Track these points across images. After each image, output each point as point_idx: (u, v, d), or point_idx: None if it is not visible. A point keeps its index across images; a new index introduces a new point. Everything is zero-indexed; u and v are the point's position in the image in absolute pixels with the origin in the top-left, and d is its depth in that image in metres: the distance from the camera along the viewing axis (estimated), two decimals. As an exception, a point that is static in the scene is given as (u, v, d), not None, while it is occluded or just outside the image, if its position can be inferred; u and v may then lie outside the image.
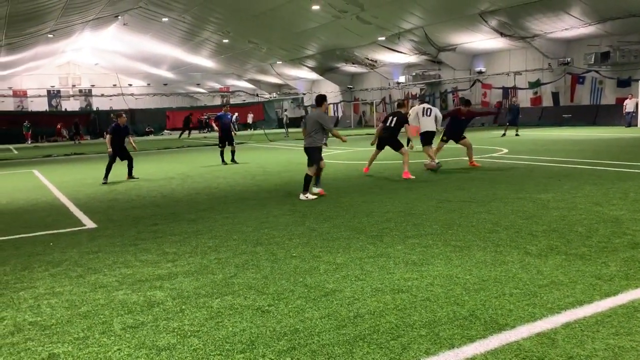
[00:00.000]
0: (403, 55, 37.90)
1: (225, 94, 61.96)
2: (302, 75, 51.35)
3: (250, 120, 51.23)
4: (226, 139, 16.06)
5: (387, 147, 11.41)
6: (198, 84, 61.35)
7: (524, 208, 7.13)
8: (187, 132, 40.19)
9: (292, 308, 3.93)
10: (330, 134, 9.40)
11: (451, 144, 12.86)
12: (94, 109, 53.60)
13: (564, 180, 9.49)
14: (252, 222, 7.18)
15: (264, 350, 3.25)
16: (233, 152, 16.20)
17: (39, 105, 54.58)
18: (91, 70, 60.33)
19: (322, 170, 9.34)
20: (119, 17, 36.62)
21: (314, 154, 9.02)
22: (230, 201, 9.14)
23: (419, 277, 4.49)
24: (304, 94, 54.79)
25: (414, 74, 39.64)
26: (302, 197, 8.87)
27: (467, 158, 12.57)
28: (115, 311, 4.06)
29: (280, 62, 47.14)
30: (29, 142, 41.51)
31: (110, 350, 3.38)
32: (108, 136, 12.86)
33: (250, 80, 56.92)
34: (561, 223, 6.16)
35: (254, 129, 47.93)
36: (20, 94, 56.09)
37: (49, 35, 34.67)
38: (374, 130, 35.72)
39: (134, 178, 13.24)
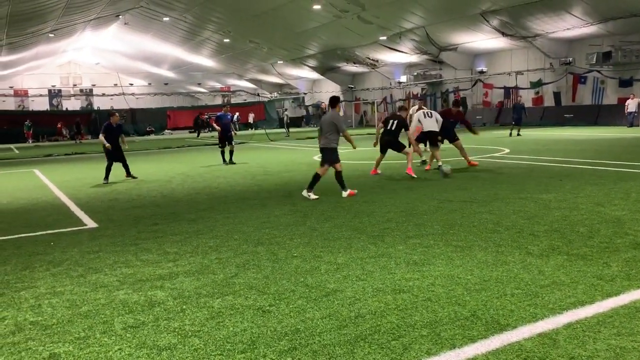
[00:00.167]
0: (404, 55, 37.87)
1: (226, 93, 61.96)
2: (303, 75, 51.33)
3: (251, 119, 51.24)
4: (226, 139, 16.03)
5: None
6: (199, 84, 61.36)
7: (526, 208, 7.12)
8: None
9: (293, 308, 3.92)
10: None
11: (448, 145, 12.83)
12: (95, 108, 53.61)
13: (565, 180, 9.48)
14: (253, 222, 7.17)
15: (265, 350, 3.25)
16: (231, 152, 16.13)
17: (40, 104, 54.60)
18: (92, 69, 60.36)
19: (342, 172, 9.23)
20: (120, 16, 36.63)
21: (328, 155, 9.03)
22: (231, 201, 9.14)
23: (420, 277, 4.48)
24: (305, 93, 54.78)
25: (415, 73, 39.61)
26: (304, 193, 8.89)
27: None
28: (116, 311, 4.06)
29: (281, 62, 47.13)
30: (30, 141, 41.53)
31: (111, 350, 3.38)
32: (102, 135, 12.71)
33: (251, 80, 56.92)
34: (563, 223, 6.14)
35: (255, 129, 47.94)
36: (21, 94, 56.12)
37: (50, 35, 34.69)
38: (375, 130, 35.73)
39: (133, 177, 13.18)
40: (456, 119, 12.63)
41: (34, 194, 11.24)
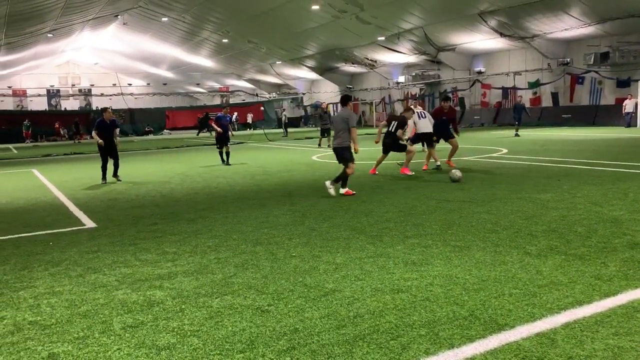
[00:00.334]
0: (402, 55, 37.91)
1: (225, 93, 61.93)
2: (301, 75, 51.35)
3: (250, 120, 51.23)
4: (223, 140, 15.96)
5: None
6: (198, 84, 61.35)
7: (524, 208, 7.13)
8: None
9: (292, 308, 3.93)
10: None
11: (442, 145, 12.85)
12: (94, 108, 53.56)
13: (563, 180, 9.50)
14: (252, 221, 7.18)
15: (264, 350, 3.26)
16: (227, 154, 16.02)
17: (39, 104, 54.54)
18: (91, 69, 60.31)
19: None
20: (119, 16, 36.61)
21: (343, 153, 8.99)
22: (230, 201, 9.14)
23: (418, 277, 4.49)
24: (304, 93, 54.79)
25: (413, 74, 39.66)
26: (328, 183, 8.93)
27: (466, 158, 12.59)
28: (115, 311, 4.06)
29: (280, 62, 47.15)
30: (29, 141, 41.49)
31: (110, 349, 3.39)
32: (94, 132, 12.51)
33: (250, 80, 56.93)
34: (561, 223, 6.16)
35: (254, 129, 47.95)
36: (20, 93, 56.05)
37: (49, 35, 34.67)
38: (373, 130, 35.76)
39: (118, 179, 12.74)
40: (449, 115, 12.47)
41: (33, 194, 11.23)
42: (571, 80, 30.89)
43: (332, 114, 37.21)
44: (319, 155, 17.88)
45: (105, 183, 12.43)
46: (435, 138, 12.33)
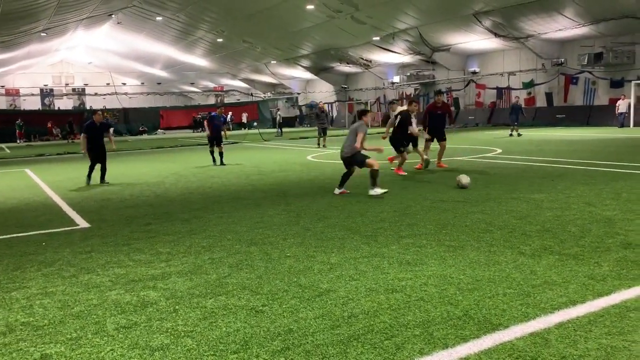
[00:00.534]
0: (397, 55, 37.96)
1: (220, 93, 61.82)
2: (296, 75, 51.33)
3: (244, 119, 51.17)
4: (215, 140, 15.80)
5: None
6: (192, 83, 61.24)
7: (518, 208, 7.15)
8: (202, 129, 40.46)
9: (286, 308, 3.92)
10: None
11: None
12: (88, 108, 53.35)
13: (557, 180, 9.54)
14: (246, 221, 7.16)
15: (258, 351, 3.25)
16: (221, 154, 15.86)
17: (32, 104, 54.29)
18: (84, 69, 60.05)
19: (352, 174, 9.20)
20: (113, 15, 36.47)
21: (354, 158, 8.92)
22: (225, 201, 9.12)
23: (413, 277, 4.50)
24: (299, 93, 54.77)
25: (408, 74, 39.73)
26: (370, 192, 8.76)
27: (460, 158, 12.61)
28: (109, 311, 4.04)
29: (275, 62, 47.11)
30: (22, 141, 41.26)
31: (103, 350, 3.37)
32: (82, 135, 12.10)
33: (245, 80, 56.85)
34: (554, 223, 6.18)
35: (249, 129, 47.91)
36: (13, 93, 55.77)
37: (42, 34, 34.49)
38: (368, 130, 35.72)
39: (106, 183, 12.22)
40: (443, 109, 12.38)
41: (26, 194, 11.17)
42: (565, 80, 31.02)
43: (328, 113, 37.26)
44: (314, 155, 17.88)
45: (89, 184, 12.06)
46: (430, 137, 12.27)
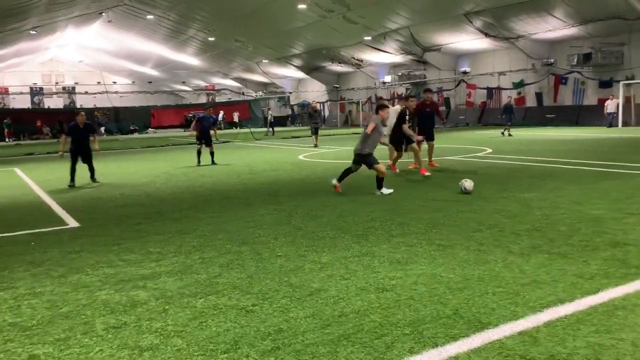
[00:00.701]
0: (389, 55, 38.04)
1: (211, 92, 61.62)
2: (288, 74, 51.29)
3: (236, 118, 51.03)
4: (204, 139, 15.52)
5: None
6: (183, 82, 60.96)
7: (508, 207, 7.19)
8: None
9: (277, 308, 3.92)
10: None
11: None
12: (78, 106, 52.96)
13: (547, 180, 9.60)
14: (237, 221, 7.15)
15: (248, 350, 3.24)
16: (212, 154, 15.61)
17: (21, 102, 53.75)
18: (75, 67, 59.61)
19: (354, 172, 9.15)
20: (103, 14, 36.24)
21: (364, 160, 8.87)
22: (215, 200, 9.10)
23: (403, 276, 4.51)
24: (291, 92, 54.71)
25: (399, 73, 39.81)
26: (377, 192, 8.75)
27: (451, 158, 12.63)
28: (98, 311, 4.02)
29: (267, 61, 47.05)
30: (10, 140, 40.90)
31: (92, 351, 3.35)
32: (63, 137, 11.74)
33: (236, 79, 56.71)
34: (544, 222, 6.22)
35: (240, 128, 47.80)
36: (2, 91, 55.22)
37: (32, 32, 34.19)
38: (360, 130, 35.76)
39: (97, 182, 12.09)
40: (432, 107, 12.26)
41: (14, 193, 11.07)
42: (555, 80, 31.23)
43: (321, 112, 37.26)
44: (305, 155, 17.87)
45: (73, 187, 11.61)
46: (421, 138, 12.08)
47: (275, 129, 37.17)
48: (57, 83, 58.67)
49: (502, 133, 22.94)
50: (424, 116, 11.96)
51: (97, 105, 50.98)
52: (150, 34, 41.47)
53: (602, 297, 3.85)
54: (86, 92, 53.86)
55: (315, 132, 21.83)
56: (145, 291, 4.43)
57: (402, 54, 37.13)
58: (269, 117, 36.54)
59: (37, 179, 13.78)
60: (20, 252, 5.97)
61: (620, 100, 26.45)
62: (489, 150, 16.08)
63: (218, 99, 60.26)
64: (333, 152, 18.78)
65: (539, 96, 32.35)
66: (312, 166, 14.11)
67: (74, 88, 58.22)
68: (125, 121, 49.60)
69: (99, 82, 53.64)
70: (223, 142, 26.42)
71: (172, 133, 44.46)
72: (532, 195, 8.06)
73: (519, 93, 33.34)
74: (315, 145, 20.99)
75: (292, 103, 55.58)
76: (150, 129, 49.06)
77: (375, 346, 3.22)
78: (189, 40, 42.12)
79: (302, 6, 29.89)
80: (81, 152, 11.97)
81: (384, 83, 41.85)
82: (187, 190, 10.52)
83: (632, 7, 23.35)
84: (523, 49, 30.77)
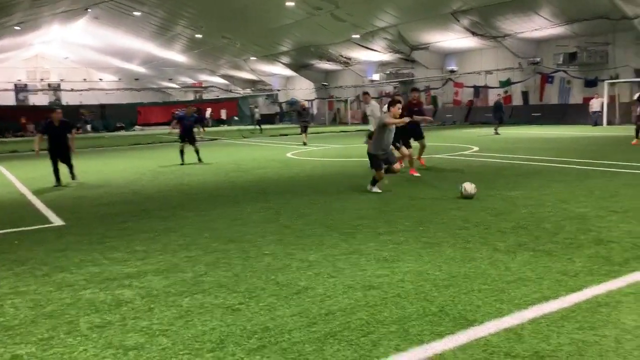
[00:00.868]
0: (377, 54, 38.11)
1: (198, 89, 61.29)
2: (276, 72, 51.17)
3: (224, 116, 50.81)
4: (187, 137, 15.26)
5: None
6: (170, 79, 60.56)
7: (494, 205, 7.23)
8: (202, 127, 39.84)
9: (263, 306, 3.91)
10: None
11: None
12: (64, 103, 52.38)
13: (532, 178, 9.68)
14: (224, 219, 7.12)
15: (234, 349, 3.23)
16: (197, 151, 15.31)
17: (5, 99, 53.00)
18: (60, 64, 58.98)
19: (394, 172, 8.83)
20: (89, 10, 35.86)
21: (370, 160, 8.66)
22: (202, 198, 9.05)
23: (390, 273, 4.52)
24: (279, 90, 54.58)
25: (387, 72, 39.92)
26: (368, 188, 8.68)
27: (438, 156, 12.67)
28: (82, 310, 3.98)
29: (254, 58, 46.89)
30: (-5, 137, 40.36)
31: (76, 350, 3.31)
32: (38, 136, 11.24)
33: (224, 76, 56.47)
34: (529, 220, 6.27)
35: (228, 125, 47.63)
36: (-15, 88, 54.46)
37: (16, 28, 33.74)
38: (348, 128, 35.74)
39: (77, 179, 11.61)
40: (418, 106, 12.03)
41: (-2, 191, 10.92)
42: (541, 79, 31.49)
43: (309, 110, 37.23)
44: (294, 153, 17.85)
45: (59, 186, 11.30)
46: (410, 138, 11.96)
47: (264, 126, 37.08)
48: (42, 80, 57.98)
49: (496, 132, 22.86)
50: (411, 115, 11.93)
51: (83, 103, 50.45)
52: (137, 31, 41.15)
53: (586, 294, 3.89)
54: (72, 89, 53.24)
55: (304, 130, 21.83)
56: (131, 290, 4.39)
57: (390, 52, 37.22)
58: (256, 115, 36.42)
59: (21, 176, 13.62)
60: (3, 250, 5.90)
61: (605, 99, 26.74)
62: (476, 149, 16.17)
63: (206, 97, 59.95)
64: (321, 150, 18.78)
65: (525, 95, 32.61)
66: (300, 164, 14.10)
67: (59, 85, 57.58)
68: (112, 118, 49.17)
69: (84, 79, 53.14)
70: (211, 140, 26.31)
71: (159, 130, 44.15)
72: (518, 193, 8.12)
73: (506, 92, 33.55)
74: (304, 144, 20.97)
75: (280, 101, 55.45)
76: (136, 127, 48.68)
77: (361, 344, 3.23)
78: (176, 37, 41.86)
79: (290, 3, 29.82)
80: (58, 151, 11.26)
81: (372, 81, 41.91)
82: (174, 188, 10.46)
83: (617, 7, 23.62)
84: (510, 47, 30.99)
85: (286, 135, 28.99)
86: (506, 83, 32.91)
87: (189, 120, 15.41)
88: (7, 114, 44.41)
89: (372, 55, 38.62)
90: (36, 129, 41.38)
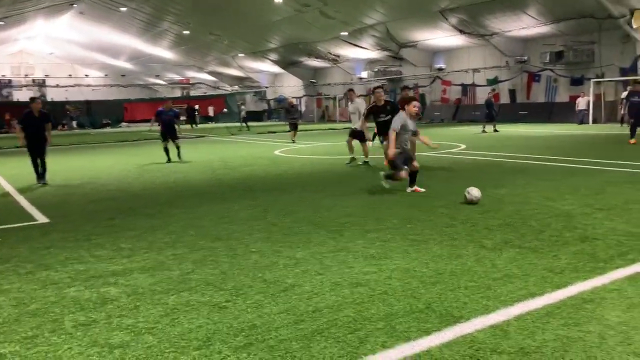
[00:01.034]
0: (365, 51, 38.13)
1: (186, 86, 60.88)
2: (264, 69, 50.98)
3: (211, 113, 50.56)
4: (168, 134, 14.99)
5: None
6: (157, 76, 60.07)
7: (480, 203, 7.26)
8: (194, 123, 39.75)
9: (250, 304, 3.89)
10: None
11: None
12: (49, 99, 51.75)
13: (518, 175, 9.75)
14: (211, 216, 7.08)
15: (220, 347, 3.21)
16: (178, 148, 15.00)
17: (-11, 95, 52.36)
18: (45, 59, 58.20)
19: (416, 171, 8.33)
20: (75, 5, 35.45)
21: (391, 161, 8.29)
22: (189, 195, 9.00)
23: (377, 270, 4.53)
24: (267, 87, 54.40)
25: (375, 69, 39.97)
26: (382, 176, 8.52)
27: (426, 154, 12.71)
28: (67, 309, 3.94)
29: (242, 55, 46.67)
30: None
31: (61, 349, 3.28)
32: (18, 127, 10.82)
33: (212, 73, 56.13)
34: (515, 217, 6.32)
35: (216, 122, 47.40)
36: (-31, 83, 53.69)
37: (0, 23, 33.25)
38: (336, 125, 35.73)
39: (44, 183, 10.92)
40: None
41: (-19, 188, 10.77)
42: (528, 77, 31.73)
43: (298, 107, 37.18)
44: (281, 150, 17.81)
45: (43, 183, 10.96)
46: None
47: (252, 124, 36.95)
48: (26, 75, 57.19)
49: (495, 130, 22.87)
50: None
51: (69, 99, 49.91)
52: (124, 27, 40.74)
53: (571, 291, 3.92)
54: (57, 85, 52.65)
55: (293, 127, 21.55)
56: (116, 288, 4.35)
57: (378, 49, 37.26)
58: (242, 113, 36.30)
59: (5, 173, 13.44)
60: (-14, 248, 5.81)
61: (591, 98, 27.02)
62: (463, 147, 16.26)
63: (193, 93, 59.57)
64: (310, 147, 18.76)
65: (512, 93, 32.83)
66: (288, 161, 14.07)
67: (44, 81, 56.87)
68: (98, 115, 48.70)
69: (70, 75, 52.55)
70: (198, 137, 26.17)
71: (145, 127, 43.84)
72: (504, 190, 8.18)
73: (493, 90, 33.79)
74: (293, 141, 20.90)
75: (268, 98, 55.28)
76: (123, 123, 48.28)
77: (348, 341, 3.23)
78: (163, 33, 41.52)
79: (278, 0, 29.71)
80: (35, 144, 10.90)
81: (361, 79, 41.95)
82: (161, 185, 10.39)
83: (603, 7, 23.84)
84: (497, 46, 31.17)
85: (274, 132, 28.92)
86: (494, 81, 33.11)
87: (167, 115, 15.01)
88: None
89: (361, 52, 38.63)
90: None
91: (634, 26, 23.20)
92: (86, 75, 57.21)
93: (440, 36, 32.62)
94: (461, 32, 30.97)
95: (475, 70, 33.91)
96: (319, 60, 43.94)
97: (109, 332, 3.48)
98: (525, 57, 30.81)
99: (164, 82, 61.67)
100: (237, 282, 4.39)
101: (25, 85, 56.18)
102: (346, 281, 4.30)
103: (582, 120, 26.71)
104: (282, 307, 3.80)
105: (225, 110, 50.38)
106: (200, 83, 60.33)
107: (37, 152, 10.99)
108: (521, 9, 26.54)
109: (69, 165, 12.52)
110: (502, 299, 3.80)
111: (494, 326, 3.36)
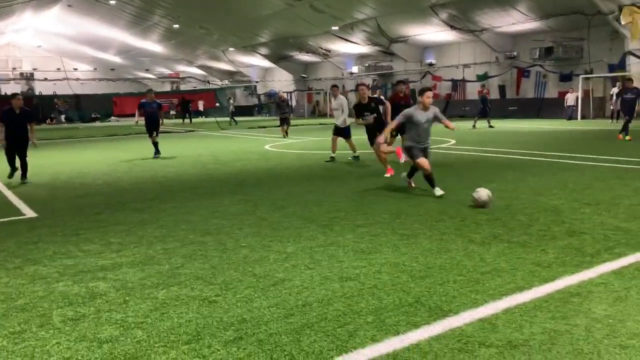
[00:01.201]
0: (356, 46, 38.08)
1: (175, 80, 60.49)
2: (255, 63, 50.77)
3: (201, 107, 50.29)
4: (152, 127, 14.70)
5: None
6: (147, 70, 59.61)
7: (469, 197, 7.29)
8: (187, 117, 39.44)
9: (240, 298, 3.89)
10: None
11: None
12: (37, 93, 51.21)
13: (507, 170, 9.81)
14: (201, 211, 7.06)
15: (210, 341, 3.21)
16: (155, 144, 14.61)
17: (-25, 88, 51.65)
18: (33, 52, 57.55)
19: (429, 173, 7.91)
20: (63, -3, 35.07)
21: (407, 153, 8.12)
22: (179, 190, 8.96)
23: (367, 265, 4.54)
24: (257, 81, 54.21)
25: (366, 64, 39.95)
26: (403, 174, 8.38)
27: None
28: (55, 303, 3.91)
29: (233, 49, 46.43)
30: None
31: (49, 344, 3.26)
32: None
33: (202, 67, 55.82)
34: (504, 212, 6.36)
35: (206, 117, 47.18)
36: (-45, 77, 52.93)
37: (-14, 15, 32.82)
38: (327, 120, 35.70)
39: (26, 182, 10.32)
40: (406, 100, 11.90)
41: (-32, 183, 10.65)
42: (517, 73, 31.89)
43: (289, 102, 37.09)
44: (272, 145, 17.77)
45: (14, 175, 10.54)
46: (394, 133, 11.62)
47: (242, 118, 36.81)
48: (14, 69, 56.52)
49: (490, 126, 22.91)
50: (396, 109, 11.75)
51: (58, 93, 49.39)
52: (113, 20, 40.37)
53: (559, 285, 3.96)
54: (45, 79, 52.03)
55: (284, 122, 21.17)
56: (105, 282, 4.33)
57: (369, 44, 37.23)
58: (231, 108, 36.10)
59: (-8, 167, 13.28)
60: (-27, 243, 5.75)
61: (580, 94, 27.22)
62: (453, 142, 16.32)
63: (183, 87, 59.20)
64: (300, 142, 18.74)
65: (502, 88, 32.98)
66: (279, 156, 14.05)
67: (32, 74, 56.23)
68: (87, 109, 48.26)
69: (59, 69, 51.94)
70: (189, 131, 26.04)
71: (134, 121, 43.54)
72: (493, 185, 8.21)
73: (483, 85, 33.92)
74: (284, 136, 20.78)
75: (258, 92, 55.09)
76: (112, 117, 47.89)
77: (338, 334, 3.24)
78: (153, 27, 41.19)
79: (269, -6, 29.60)
80: (16, 142, 10.38)
81: (351, 74, 41.92)
82: (150, 180, 10.33)
83: (592, 3, 23.99)
84: (487, 41, 31.27)
85: (264, 127, 28.85)
86: (483, 77, 33.24)
87: (150, 106, 14.72)
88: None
89: (352, 47, 38.58)
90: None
91: (623, 22, 23.35)
92: (75, 69, 56.63)
93: (431, 31, 32.66)
94: (451, 27, 31.03)
95: (465, 66, 34.01)
96: (309, 54, 43.83)
97: (97, 327, 3.47)
98: (515, 53, 30.95)
99: (153, 76, 61.22)
100: (227, 276, 4.38)
101: (13, 79, 55.52)
102: (336, 275, 4.31)
103: (571, 116, 26.92)
104: (272, 301, 3.80)
105: (217, 104, 50.13)
106: (190, 77, 59.94)
107: (17, 151, 10.44)
108: (511, 5, 26.63)
109: (58, 160, 12.42)
110: (490, 293, 3.83)
111: (482, 320, 3.39)
